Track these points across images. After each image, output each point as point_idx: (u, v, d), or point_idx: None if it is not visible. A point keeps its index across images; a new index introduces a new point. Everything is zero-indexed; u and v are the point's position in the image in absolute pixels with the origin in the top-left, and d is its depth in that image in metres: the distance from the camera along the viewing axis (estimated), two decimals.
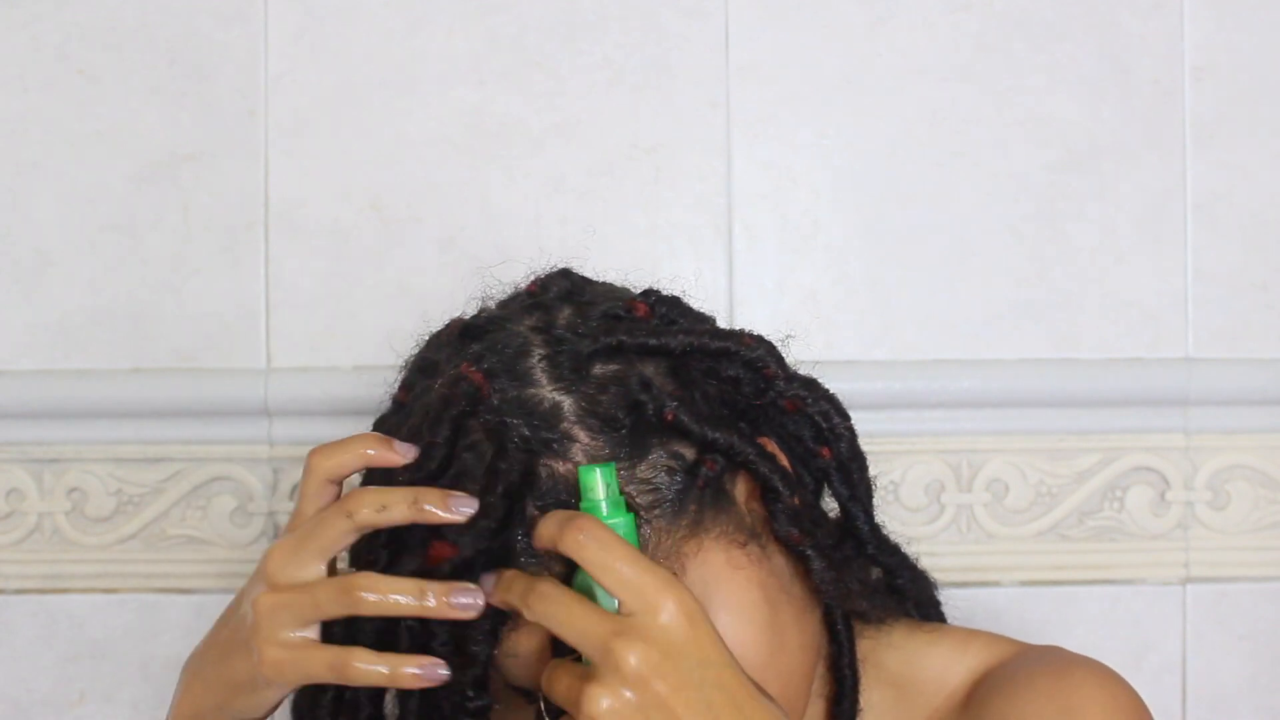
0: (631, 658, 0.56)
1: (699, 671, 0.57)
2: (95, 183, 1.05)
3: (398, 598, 0.60)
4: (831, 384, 0.72)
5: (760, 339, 0.68)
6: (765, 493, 0.67)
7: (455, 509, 0.61)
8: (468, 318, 0.71)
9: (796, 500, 0.67)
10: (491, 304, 0.73)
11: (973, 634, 0.76)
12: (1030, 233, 1.03)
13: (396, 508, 0.61)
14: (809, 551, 0.67)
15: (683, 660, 0.57)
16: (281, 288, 1.04)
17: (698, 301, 0.73)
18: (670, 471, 0.64)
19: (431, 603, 0.60)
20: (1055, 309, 1.02)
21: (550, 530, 0.60)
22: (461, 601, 0.60)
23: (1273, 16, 1.02)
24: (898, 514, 1.03)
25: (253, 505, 1.03)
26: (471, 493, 0.61)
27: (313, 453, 0.64)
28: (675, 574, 0.60)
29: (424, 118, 1.04)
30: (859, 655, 0.73)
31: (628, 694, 0.56)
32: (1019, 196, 1.03)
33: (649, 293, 0.71)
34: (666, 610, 0.57)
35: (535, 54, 1.04)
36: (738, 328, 0.69)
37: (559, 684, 0.59)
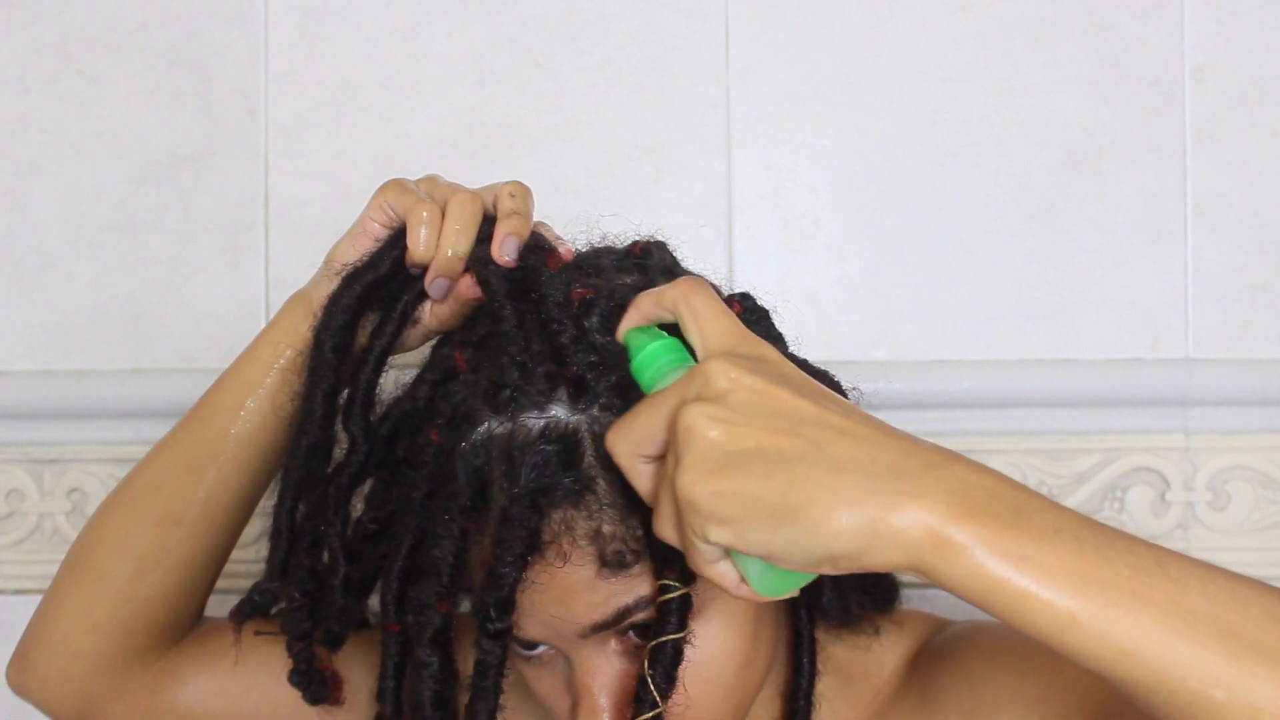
0: (721, 371, 0.52)
1: (800, 379, 0.54)
2: (95, 183, 1.05)
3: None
4: None
5: (837, 387, 0.69)
6: None
7: (505, 253, 0.68)
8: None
9: None
10: (573, 245, 0.73)
11: (906, 614, 0.78)
12: (1030, 233, 1.03)
13: (522, 207, 0.70)
14: (825, 580, 0.70)
15: (778, 369, 0.54)
16: (281, 288, 1.04)
17: None
18: None
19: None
20: (1055, 309, 1.02)
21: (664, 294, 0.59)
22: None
23: (1273, 16, 1.02)
24: None
25: None
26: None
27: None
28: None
29: (424, 118, 1.04)
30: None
31: (721, 400, 0.52)
32: (1019, 196, 1.03)
33: (745, 296, 0.72)
34: (755, 345, 0.55)
35: (535, 54, 1.04)
36: (826, 369, 0.70)
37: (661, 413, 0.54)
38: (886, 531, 0.49)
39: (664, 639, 0.62)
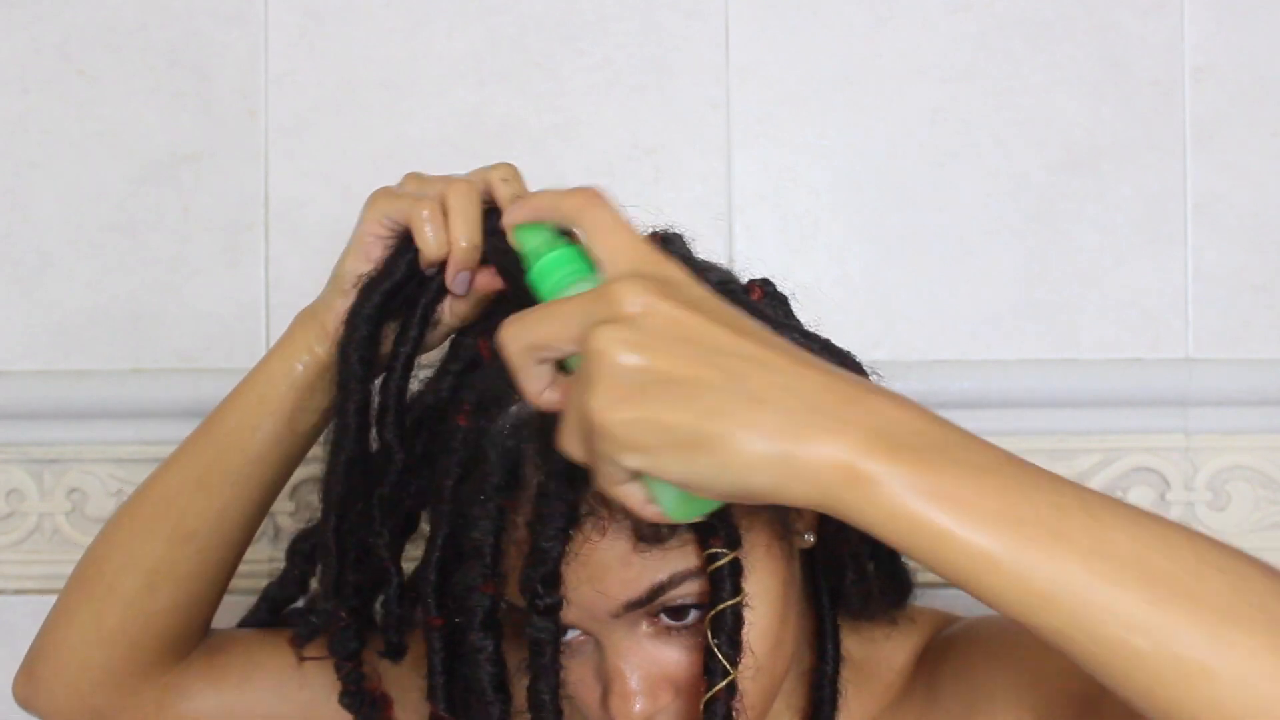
0: (633, 293, 0.50)
1: (716, 303, 0.52)
2: (95, 183, 1.04)
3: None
4: None
5: (859, 368, 0.70)
6: None
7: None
8: None
9: None
10: None
11: (918, 611, 0.78)
12: (1030, 233, 1.02)
13: (521, 190, 0.70)
14: (847, 560, 0.70)
15: (694, 291, 0.52)
16: (281, 288, 1.04)
17: None
18: None
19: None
20: (1055, 309, 1.02)
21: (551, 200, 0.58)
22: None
23: (1273, 16, 1.02)
24: None
25: None
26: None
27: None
28: None
29: (424, 118, 1.04)
30: None
31: (634, 324, 0.49)
32: (1019, 196, 1.03)
33: (766, 281, 0.73)
34: (669, 266, 0.53)
35: (535, 54, 1.03)
36: (847, 350, 0.70)
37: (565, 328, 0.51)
38: (802, 467, 0.47)
39: (722, 606, 0.61)
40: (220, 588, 0.81)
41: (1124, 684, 0.47)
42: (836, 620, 0.74)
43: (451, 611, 0.66)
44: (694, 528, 0.62)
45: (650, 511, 0.53)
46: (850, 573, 0.72)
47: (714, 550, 0.62)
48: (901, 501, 0.47)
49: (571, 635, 0.66)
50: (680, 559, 0.63)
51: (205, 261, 1.04)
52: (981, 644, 0.72)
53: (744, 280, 0.74)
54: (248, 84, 1.04)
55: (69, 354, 1.04)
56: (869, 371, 0.71)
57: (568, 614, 0.63)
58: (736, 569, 0.62)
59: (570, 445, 0.52)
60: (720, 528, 0.62)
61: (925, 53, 1.03)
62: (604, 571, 0.62)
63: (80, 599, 0.78)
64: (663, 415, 0.48)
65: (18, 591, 1.05)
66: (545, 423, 0.61)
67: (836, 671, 0.74)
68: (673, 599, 0.63)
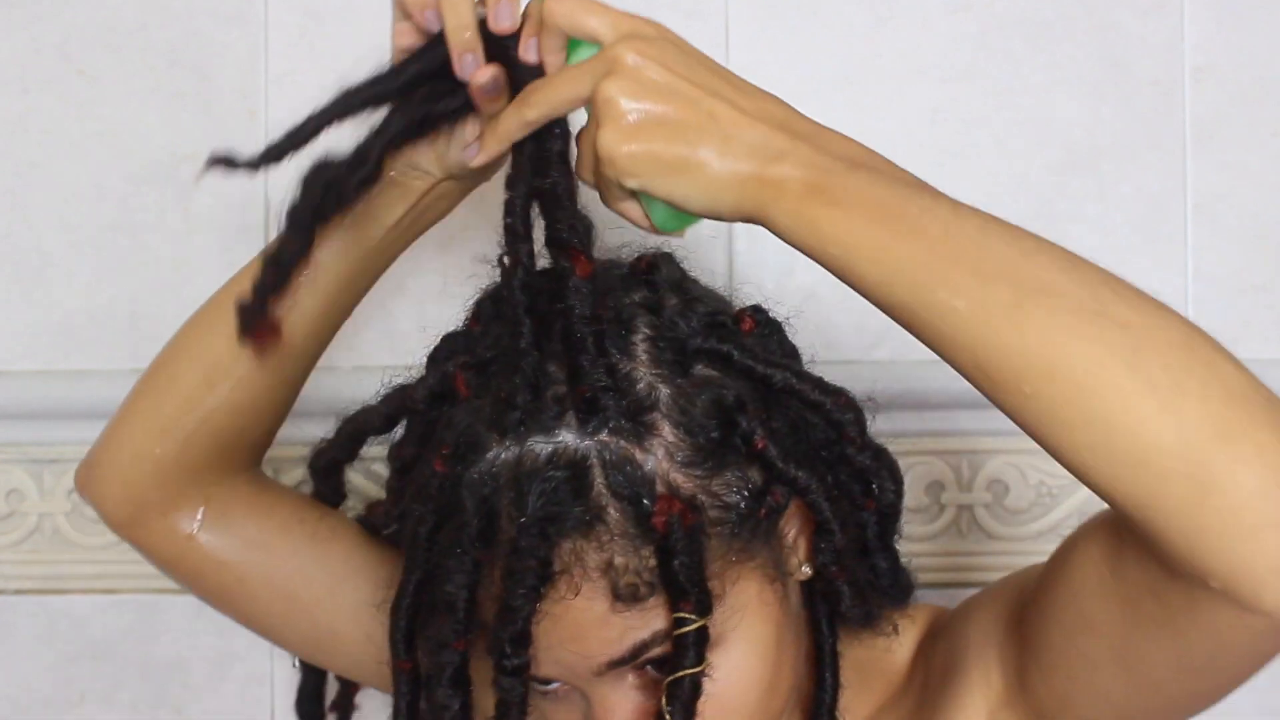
0: (629, 52, 0.60)
1: (695, 55, 0.62)
2: (95, 183, 1.05)
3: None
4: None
5: (853, 404, 0.70)
6: (820, 531, 0.67)
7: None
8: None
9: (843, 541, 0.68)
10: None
11: (918, 608, 0.78)
12: None
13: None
14: (843, 588, 0.69)
15: (677, 47, 0.62)
16: None
17: None
18: (740, 493, 0.65)
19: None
20: None
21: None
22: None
23: (1273, 16, 1.02)
24: None
25: None
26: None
27: None
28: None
29: None
30: None
31: (632, 77, 0.60)
32: (1019, 196, 1.03)
33: (757, 309, 0.72)
34: (651, 26, 0.63)
35: None
36: (839, 385, 0.70)
37: (565, 91, 0.62)
38: (750, 184, 0.59)
39: (681, 674, 0.61)
40: (277, 404, 0.80)
41: (946, 344, 0.58)
42: (835, 647, 0.73)
43: (419, 659, 0.65)
44: (666, 589, 0.61)
45: (645, 224, 0.64)
46: (848, 596, 0.71)
47: (681, 615, 0.61)
48: (799, 201, 0.58)
49: (557, 685, 0.65)
50: (660, 617, 0.62)
51: (205, 261, 1.04)
52: (959, 615, 0.73)
53: (745, 290, 0.73)
54: (248, 84, 1.04)
55: (69, 354, 1.04)
56: (867, 399, 0.71)
57: (550, 670, 0.63)
58: (702, 637, 0.61)
59: (584, 173, 0.63)
60: (693, 592, 0.61)
61: (925, 53, 1.03)
62: (582, 632, 0.62)
63: (144, 391, 0.80)
64: (654, 147, 0.59)
65: (18, 591, 1.05)
66: (520, 471, 0.61)
67: (835, 700, 0.73)
68: (657, 655, 0.63)
